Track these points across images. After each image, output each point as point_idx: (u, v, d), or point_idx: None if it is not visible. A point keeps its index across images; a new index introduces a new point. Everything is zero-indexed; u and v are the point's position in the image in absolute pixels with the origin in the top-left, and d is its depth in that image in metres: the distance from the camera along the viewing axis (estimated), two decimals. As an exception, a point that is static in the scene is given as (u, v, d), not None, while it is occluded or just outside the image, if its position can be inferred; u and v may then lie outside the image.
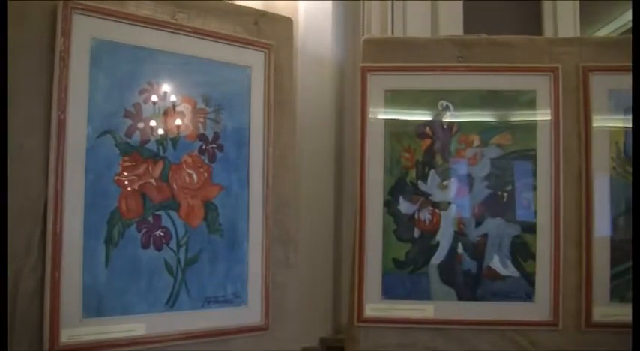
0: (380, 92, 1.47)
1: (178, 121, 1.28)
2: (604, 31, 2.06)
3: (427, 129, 1.46)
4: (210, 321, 1.30)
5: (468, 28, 1.84)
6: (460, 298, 1.44)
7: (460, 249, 1.45)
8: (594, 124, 1.45)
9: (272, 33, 1.42)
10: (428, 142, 1.46)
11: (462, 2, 1.87)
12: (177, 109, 1.28)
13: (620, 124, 1.47)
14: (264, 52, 1.40)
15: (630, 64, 1.43)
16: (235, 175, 1.35)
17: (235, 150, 1.36)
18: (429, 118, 1.47)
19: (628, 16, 2.00)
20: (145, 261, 1.22)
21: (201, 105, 1.31)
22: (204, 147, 1.31)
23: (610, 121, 1.47)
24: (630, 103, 1.46)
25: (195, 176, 1.30)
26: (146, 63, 1.23)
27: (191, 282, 1.28)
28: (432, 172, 1.45)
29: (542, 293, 1.43)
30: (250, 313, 1.36)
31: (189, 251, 1.28)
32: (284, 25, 1.47)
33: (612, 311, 1.44)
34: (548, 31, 1.89)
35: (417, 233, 1.45)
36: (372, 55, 1.48)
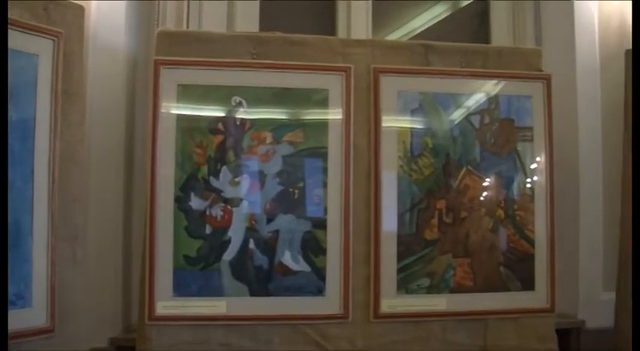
0: (173, 86, 2.24)
1: (-44, 111, 1.81)
2: (395, 35, 3.13)
3: (220, 125, 2.27)
4: (-11, 325, 1.83)
5: (263, 26, 2.79)
6: (252, 293, 2.26)
7: (252, 245, 2.26)
8: (383, 124, 2.37)
9: (62, 20, 2.13)
10: (220, 138, 2.26)
11: (258, 1, 2.84)
12: (-45, 98, 1.82)
13: (408, 125, 2.40)
14: (53, 40, 2.09)
15: (426, 68, 2.47)
16: (19, 168, 1.95)
17: (19, 142, 1.96)
18: (222, 114, 2.27)
19: (418, 22, 3.08)
20: None
21: (-18, 95, 1.88)
22: (-16, 139, 1.88)
23: (398, 122, 2.38)
24: (417, 105, 2.50)
25: (-27, 170, 1.84)
26: None
27: (-32, 284, 1.78)
28: (224, 168, 2.25)
29: (332, 287, 2.30)
30: (35, 315, 1.99)
31: (-34, 250, 1.80)
32: (75, 12, 2.18)
33: (399, 303, 2.35)
34: (342, 32, 2.90)
35: (208, 229, 2.24)
36: (166, 48, 2.25)
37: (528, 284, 2.47)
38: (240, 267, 2.27)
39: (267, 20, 2.73)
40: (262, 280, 2.29)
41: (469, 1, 3.14)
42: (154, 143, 2.22)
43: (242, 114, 2.31)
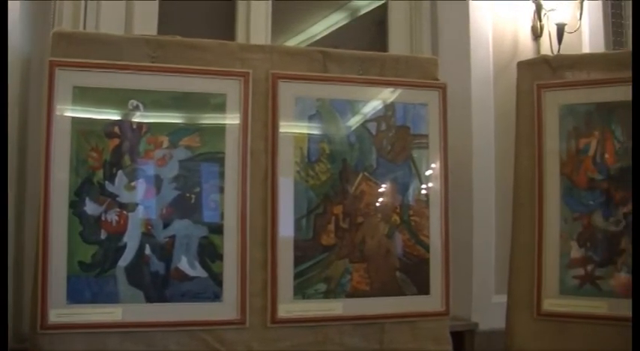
0: (68, 88, 2.34)
1: None
2: (294, 41, 3.33)
3: (116, 128, 2.39)
4: None
5: (162, 27, 2.94)
6: (148, 300, 2.38)
7: (148, 250, 2.39)
8: (281, 130, 2.55)
9: (-50, 20, 2.31)
10: (116, 141, 2.38)
11: (157, 2, 3.00)
12: None
13: (305, 131, 2.59)
14: (-59, 40, 2.28)
15: (324, 74, 2.65)
16: None
17: None
18: (119, 118, 2.39)
19: (317, 28, 3.33)
20: None
21: None
22: None
23: (296, 127, 2.57)
24: (315, 111, 2.68)
25: None
26: None
27: None
28: (120, 172, 2.38)
29: (229, 293, 2.46)
30: None
31: None
32: (-36, 12, 2.37)
33: (296, 307, 2.53)
34: (241, 36, 3.09)
35: (103, 235, 2.35)
36: (61, 49, 2.36)
37: (423, 288, 2.68)
38: (136, 273, 2.38)
39: (166, 22, 2.87)
40: (158, 286, 2.40)
41: (368, 9, 3.33)
42: (47, 146, 2.31)
43: (139, 118, 2.42)
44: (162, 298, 2.40)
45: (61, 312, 2.30)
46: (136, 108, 2.42)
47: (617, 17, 3.72)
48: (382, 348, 2.57)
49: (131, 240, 2.39)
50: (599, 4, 3.53)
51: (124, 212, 2.38)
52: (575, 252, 2.66)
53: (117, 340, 2.34)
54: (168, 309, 2.40)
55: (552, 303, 2.65)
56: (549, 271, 2.68)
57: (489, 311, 2.98)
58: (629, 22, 3.77)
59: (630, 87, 2.45)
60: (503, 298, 2.80)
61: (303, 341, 2.52)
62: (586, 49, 3.37)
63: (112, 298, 2.36)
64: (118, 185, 2.38)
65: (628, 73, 2.48)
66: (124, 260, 2.37)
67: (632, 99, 2.39)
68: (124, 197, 2.39)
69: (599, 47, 3.45)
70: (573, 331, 2.60)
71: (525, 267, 2.71)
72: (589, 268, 2.64)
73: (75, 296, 2.32)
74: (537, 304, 2.68)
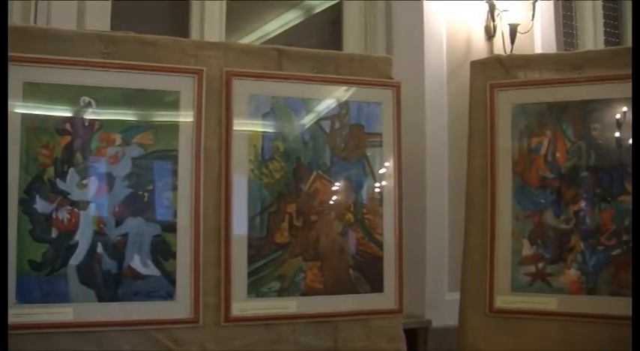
0: (18, 84, 2.32)
1: None
2: (248, 39, 3.38)
3: (67, 125, 2.38)
4: None
5: (115, 26, 2.96)
6: (100, 299, 2.38)
7: (100, 249, 2.39)
8: (235, 127, 2.58)
9: None
10: (68, 138, 2.38)
11: (110, 2, 2.97)
12: None
13: (259, 129, 2.62)
14: None
15: (279, 72, 2.68)
16: None
17: None
18: (70, 114, 2.39)
19: (271, 26, 3.37)
20: None
21: None
22: None
23: (249, 125, 2.60)
24: (269, 109, 2.71)
25: None
26: None
27: None
28: (72, 170, 2.38)
29: (182, 291, 2.48)
30: None
31: None
32: None
33: (250, 306, 2.56)
34: (195, 33, 3.11)
35: (54, 233, 2.35)
36: (12, 44, 2.28)
37: (377, 286, 2.73)
38: (88, 272, 2.38)
39: (118, 20, 2.87)
40: (111, 284, 2.40)
41: (322, 8, 3.37)
42: (-4, 143, 2.25)
43: (91, 114, 2.42)
44: (114, 298, 2.40)
45: (10, 312, 2.21)
46: (88, 105, 2.42)
47: (567, 19, 3.82)
48: (336, 346, 2.59)
49: (83, 238, 2.38)
50: (551, 5, 3.63)
51: (76, 210, 2.38)
52: (527, 249, 2.74)
53: (68, 340, 2.33)
54: (121, 308, 2.40)
55: (504, 300, 2.72)
56: (501, 268, 2.74)
57: (442, 308, 3.05)
58: (579, 23, 3.88)
59: (581, 87, 2.57)
60: (456, 296, 2.86)
61: (256, 340, 2.54)
62: (538, 50, 3.46)
63: (62, 298, 2.35)
64: (70, 183, 2.38)
65: (578, 74, 2.56)
66: (76, 259, 2.36)
67: (633, 99, 2.44)
68: (76, 195, 2.38)
69: (551, 48, 3.55)
70: (524, 327, 2.68)
71: (478, 264, 2.78)
72: (540, 265, 2.72)
73: (25, 296, 2.31)
74: (489, 301, 2.74)
